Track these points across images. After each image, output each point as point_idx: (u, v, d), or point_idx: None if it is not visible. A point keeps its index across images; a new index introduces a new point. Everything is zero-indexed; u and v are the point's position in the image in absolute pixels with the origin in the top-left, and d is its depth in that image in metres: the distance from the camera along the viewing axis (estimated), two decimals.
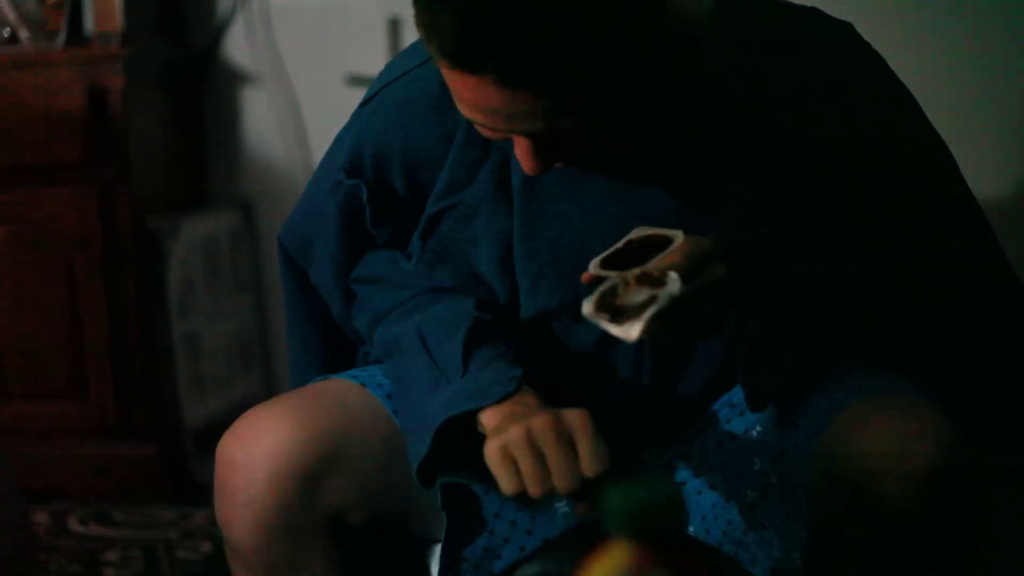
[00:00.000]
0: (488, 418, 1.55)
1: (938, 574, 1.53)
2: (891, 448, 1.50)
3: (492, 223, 1.67)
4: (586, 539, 1.49)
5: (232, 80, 3.47)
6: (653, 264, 1.49)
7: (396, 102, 1.70)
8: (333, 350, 1.84)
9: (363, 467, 1.64)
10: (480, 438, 1.56)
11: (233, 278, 3.44)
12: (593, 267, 1.52)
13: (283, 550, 1.63)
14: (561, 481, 1.48)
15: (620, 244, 1.54)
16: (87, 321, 3.13)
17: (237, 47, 3.46)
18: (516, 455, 1.49)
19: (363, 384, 1.71)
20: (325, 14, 3.40)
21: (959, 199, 1.72)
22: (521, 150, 1.53)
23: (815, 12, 1.68)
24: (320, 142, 3.29)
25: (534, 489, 1.48)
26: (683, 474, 1.73)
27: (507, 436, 1.49)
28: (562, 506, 1.69)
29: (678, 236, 1.51)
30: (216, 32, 3.45)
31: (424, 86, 1.67)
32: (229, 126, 3.49)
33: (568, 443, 1.49)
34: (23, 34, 3.19)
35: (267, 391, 3.47)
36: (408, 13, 1.55)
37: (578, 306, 1.51)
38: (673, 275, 1.46)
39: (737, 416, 1.71)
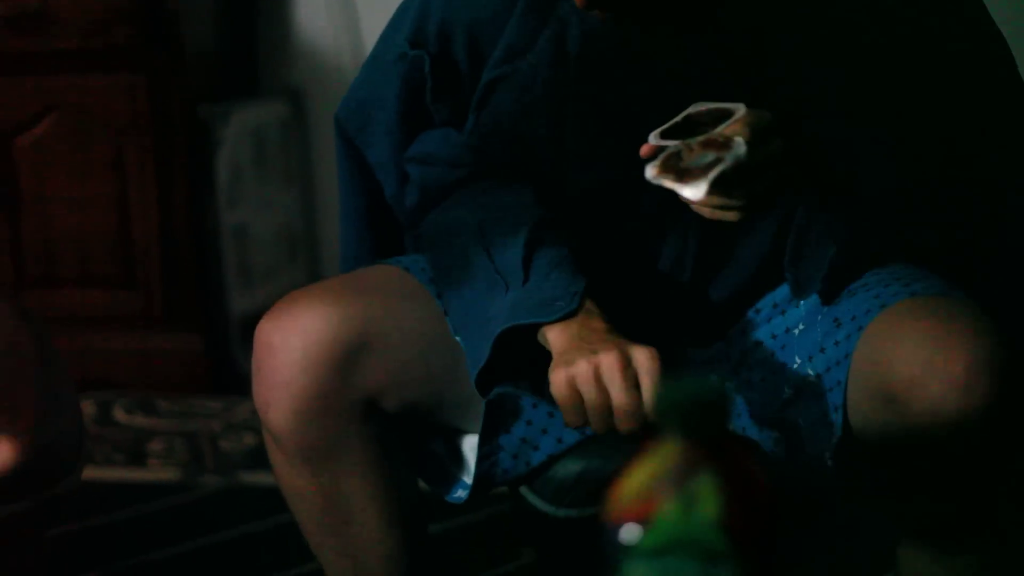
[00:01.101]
0: (554, 337, 1.58)
1: (978, 475, 1.54)
2: (930, 348, 1.51)
3: (548, 93, 1.68)
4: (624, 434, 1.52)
5: None
6: (718, 132, 1.50)
7: None
8: (386, 237, 1.85)
9: (400, 350, 1.67)
10: (537, 346, 1.57)
11: (282, 168, 3.46)
12: (653, 138, 1.54)
13: (318, 433, 1.65)
14: (624, 423, 1.50)
15: (679, 118, 1.55)
16: (136, 210, 3.16)
17: None
18: (583, 390, 1.51)
19: (406, 268, 1.73)
20: None
21: (1013, 92, 1.71)
22: None
23: None
24: (371, 30, 3.29)
25: (598, 426, 1.52)
26: (723, 368, 1.75)
27: (575, 369, 1.52)
28: None
29: (740, 108, 1.52)
30: None
31: None
32: (279, 14, 3.49)
33: (634, 383, 1.51)
34: None
35: (313, 282, 3.49)
36: None
37: (630, 180, 1.52)
38: (739, 139, 1.48)
39: (779, 315, 1.72)
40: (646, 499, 1.01)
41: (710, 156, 1.48)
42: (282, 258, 3.46)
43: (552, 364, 1.55)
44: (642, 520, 1.01)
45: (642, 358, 1.52)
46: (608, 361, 1.52)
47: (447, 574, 2.24)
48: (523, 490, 1.77)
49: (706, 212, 1.54)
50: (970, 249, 1.70)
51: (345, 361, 1.64)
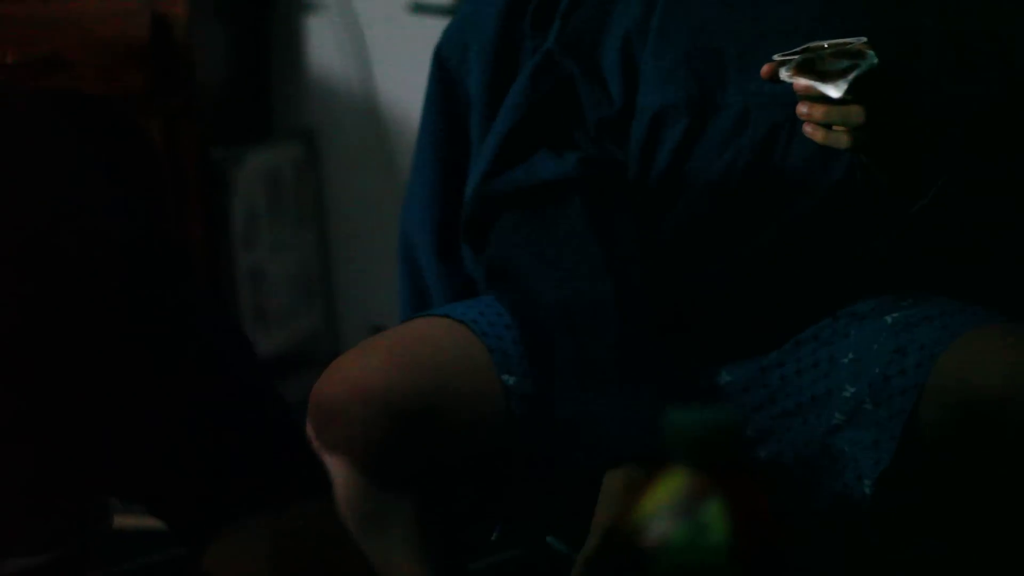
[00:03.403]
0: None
1: None
2: (1014, 375, 1.57)
3: (632, 7, 1.72)
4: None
5: (296, 8, 3.53)
6: (848, 44, 1.57)
7: None
8: (451, 214, 1.89)
9: (455, 422, 1.71)
10: None
11: (296, 210, 3.51)
12: (777, 56, 1.60)
13: (371, 503, 1.70)
14: None
15: (799, 49, 1.61)
16: None
17: None
18: None
19: (469, 323, 1.77)
20: None
21: None
22: None
23: None
24: (384, 71, 3.35)
25: None
26: (759, 395, 1.79)
27: None
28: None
29: (860, 40, 1.58)
30: None
31: None
32: (293, 55, 3.55)
33: None
34: None
35: (329, 326, 3.54)
36: None
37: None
38: (871, 52, 1.55)
39: (823, 347, 1.77)
40: (656, 528, 1.06)
41: (844, 63, 1.55)
42: (298, 300, 3.51)
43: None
44: (652, 548, 1.06)
45: None
46: None
47: None
48: (549, 539, 1.82)
49: (819, 136, 1.60)
50: None
51: (404, 430, 1.68)
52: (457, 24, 1.90)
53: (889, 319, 1.74)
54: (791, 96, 1.62)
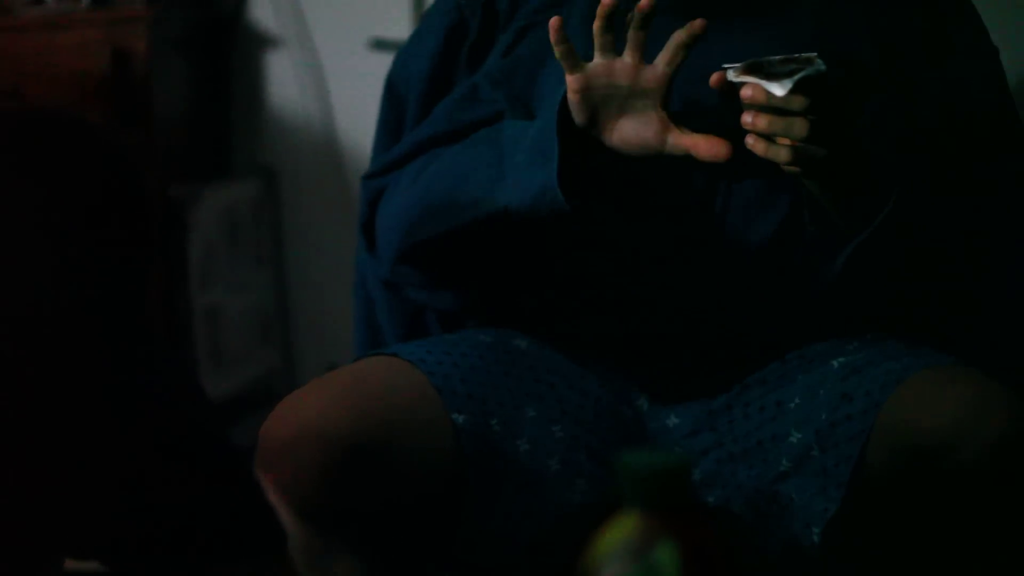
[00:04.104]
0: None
1: (1008, 542, 1.61)
2: (961, 418, 1.58)
3: (576, 41, 1.75)
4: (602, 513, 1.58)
5: (256, 44, 3.54)
6: (796, 55, 1.60)
7: None
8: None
9: (404, 463, 1.71)
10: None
11: (254, 249, 3.51)
12: (727, 65, 1.64)
13: (316, 538, 1.69)
14: None
15: (748, 61, 1.63)
16: None
17: (262, 10, 3.52)
18: None
19: (417, 362, 1.78)
20: None
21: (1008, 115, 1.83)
22: None
23: None
24: (344, 108, 3.36)
25: None
26: (706, 439, 1.80)
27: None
28: (582, 483, 1.76)
29: (811, 54, 1.61)
30: None
31: None
32: (253, 92, 3.56)
33: None
34: None
35: (286, 365, 3.54)
36: None
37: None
38: (819, 60, 1.57)
39: (771, 392, 1.78)
40: (608, 570, 1.07)
41: (792, 67, 1.57)
42: (255, 340, 3.51)
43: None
44: None
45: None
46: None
47: None
48: None
49: (760, 148, 1.61)
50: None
51: (352, 470, 1.67)
52: (403, 52, 1.94)
53: (836, 363, 1.75)
54: (738, 134, 1.64)
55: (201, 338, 3.30)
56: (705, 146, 1.64)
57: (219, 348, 3.36)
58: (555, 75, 1.76)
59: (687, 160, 1.67)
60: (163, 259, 3.21)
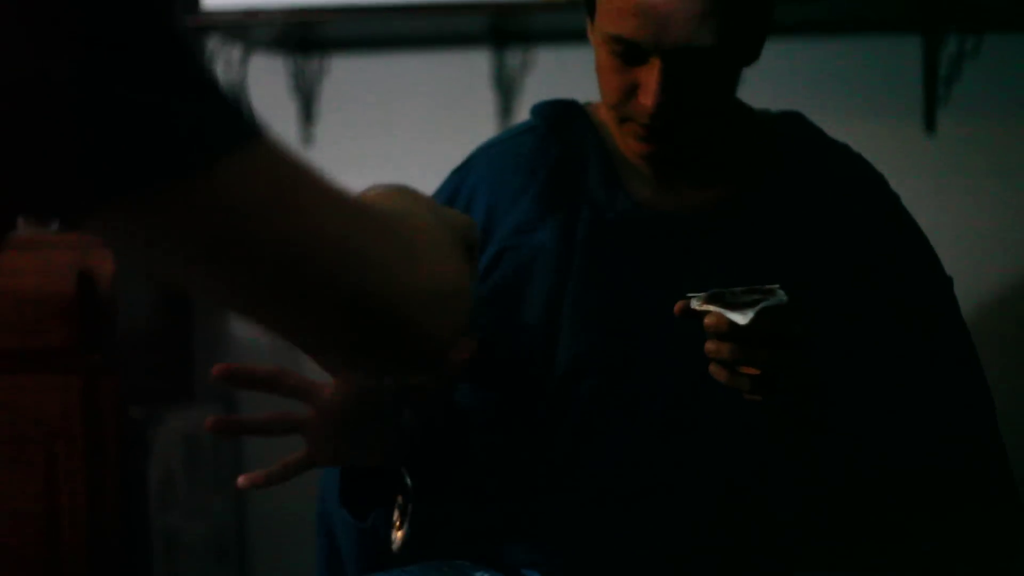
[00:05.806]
0: None
1: None
2: None
3: (550, 267, 1.79)
4: None
5: None
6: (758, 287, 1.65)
7: (489, 159, 1.94)
8: None
9: None
10: None
11: (214, 474, 3.51)
12: (690, 294, 1.68)
13: None
14: None
15: (712, 291, 1.68)
16: (65, 514, 3.18)
17: None
18: None
19: None
20: None
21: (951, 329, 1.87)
22: (651, 80, 1.73)
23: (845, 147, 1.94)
24: None
25: None
26: None
27: None
28: None
29: (774, 286, 1.65)
30: None
31: (518, 150, 1.91)
32: (216, 316, 3.58)
33: None
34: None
35: None
36: None
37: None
38: (781, 291, 1.61)
39: None
40: None
41: (754, 296, 1.61)
42: (212, 567, 3.49)
43: None
44: None
45: None
46: None
47: None
48: None
49: (723, 376, 1.65)
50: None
51: None
52: None
53: None
54: (701, 361, 1.70)
55: (159, 562, 3.28)
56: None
57: (176, 572, 3.34)
58: (540, 294, 1.83)
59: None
60: (122, 482, 3.21)
